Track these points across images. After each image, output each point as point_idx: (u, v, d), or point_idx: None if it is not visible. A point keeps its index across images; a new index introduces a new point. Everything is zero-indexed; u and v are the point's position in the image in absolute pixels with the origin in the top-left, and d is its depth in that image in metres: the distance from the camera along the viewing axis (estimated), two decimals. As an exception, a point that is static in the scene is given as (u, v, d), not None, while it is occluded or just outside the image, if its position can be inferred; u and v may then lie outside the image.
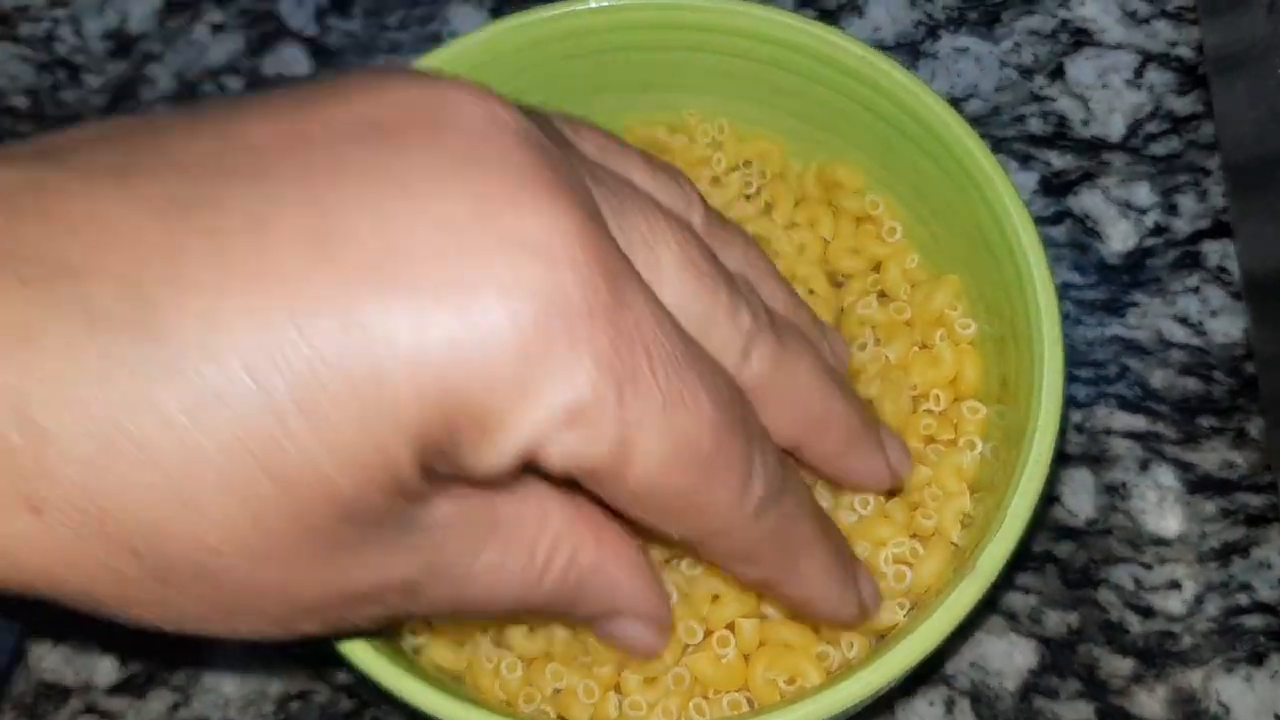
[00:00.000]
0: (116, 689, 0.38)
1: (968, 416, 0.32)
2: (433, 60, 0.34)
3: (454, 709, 0.27)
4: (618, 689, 0.31)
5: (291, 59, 0.46)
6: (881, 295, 0.34)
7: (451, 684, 0.30)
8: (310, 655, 0.38)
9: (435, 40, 0.45)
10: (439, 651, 0.31)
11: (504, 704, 0.31)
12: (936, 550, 0.31)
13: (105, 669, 0.38)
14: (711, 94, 0.36)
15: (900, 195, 0.35)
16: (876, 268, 0.35)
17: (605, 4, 0.34)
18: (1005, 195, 0.30)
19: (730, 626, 0.31)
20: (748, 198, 0.36)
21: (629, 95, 0.36)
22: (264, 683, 0.38)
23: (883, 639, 0.30)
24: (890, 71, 0.32)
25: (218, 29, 0.46)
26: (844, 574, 0.27)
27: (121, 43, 0.46)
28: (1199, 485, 0.38)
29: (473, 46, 0.34)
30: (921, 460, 0.32)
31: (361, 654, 0.28)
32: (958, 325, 0.33)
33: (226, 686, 0.38)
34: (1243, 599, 0.36)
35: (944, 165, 0.32)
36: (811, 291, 0.35)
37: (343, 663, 0.36)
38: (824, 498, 0.31)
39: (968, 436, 0.32)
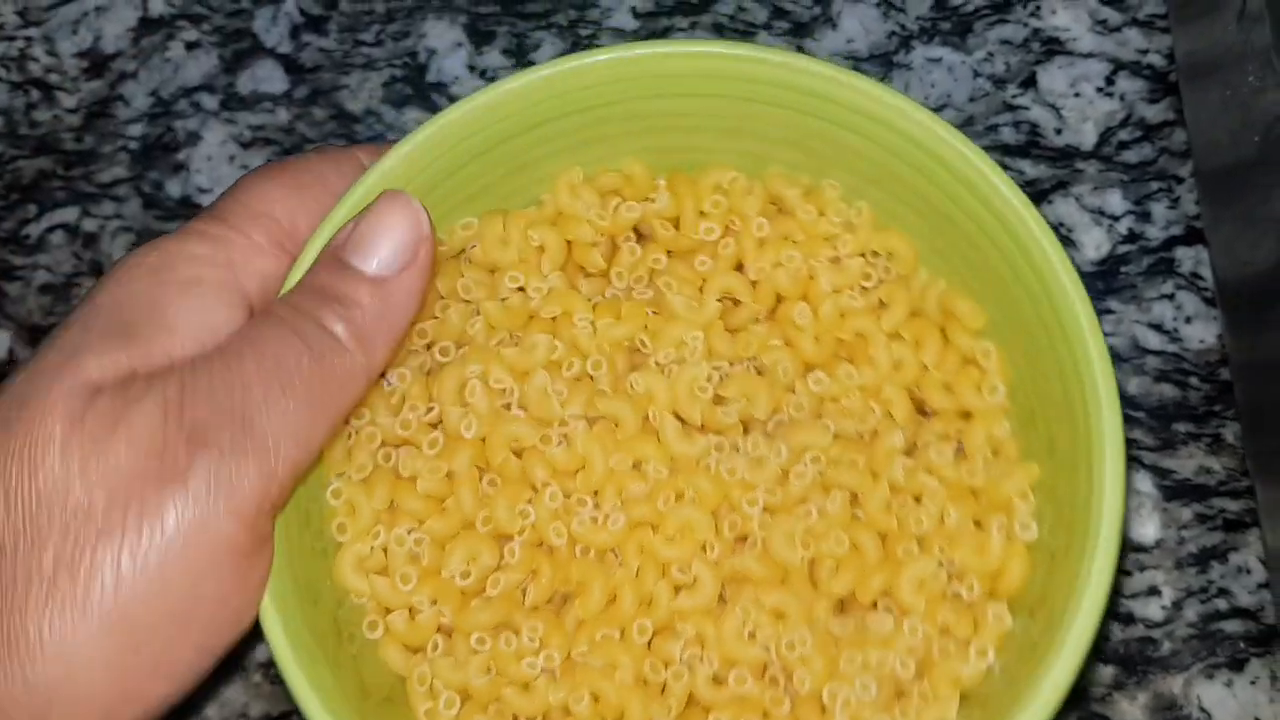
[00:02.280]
0: (96, 712, 0.38)
1: (992, 625, 0.30)
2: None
3: None
4: None
5: (266, 76, 0.45)
6: (959, 449, 0.32)
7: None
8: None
9: (410, 56, 0.45)
10: (390, 655, 0.31)
11: None
12: None
13: (85, 692, 0.38)
14: (856, 175, 0.33)
15: (1013, 351, 0.32)
16: (965, 416, 0.32)
17: (776, 60, 0.32)
18: (1109, 428, 0.28)
19: None
20: (864, 289, 0.33)
21: (777, 148, 0.34)
22: (245, 704, 0.38)
23: None
24: (1045, 254, 0.30)
25: (192, 46, 0.46)
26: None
27: (95, 61, 0.46)
28: (1176, 491, 0.38)
29: (627, 65, 0.32)
30: (927, 657, 0.30)
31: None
32: (1018, 523, 0.30)
33: (209, 709, 0.38)
34: (1222, 604, 0.37)
35: (1068, 382, 0.29)
36: (890, 415, 0.32)
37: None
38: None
39: (981, 644, 0.30)
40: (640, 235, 0.34)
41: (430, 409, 0.32)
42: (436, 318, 0.33)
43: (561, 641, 0.30)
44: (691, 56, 0.32)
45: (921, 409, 0.33)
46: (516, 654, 0.30)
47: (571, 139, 0.33)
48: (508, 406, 0.32)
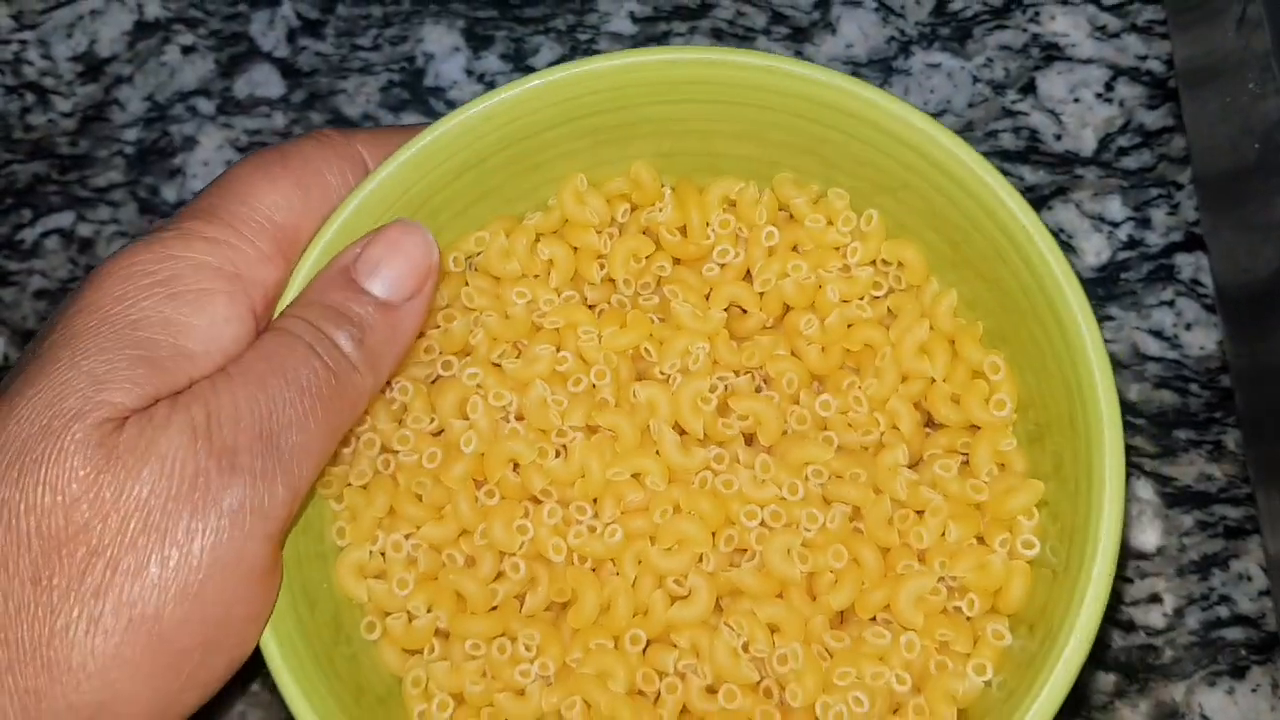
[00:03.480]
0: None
1: (991, 641, 0.30)
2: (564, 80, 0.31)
3: None
4: None
5: (263, 80, 0.45)
6: (964, 464, 0.31)
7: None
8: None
9: (408, 61, 0.45)
10: (387, 657, 0.31)
11: None
12: None
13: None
14: (866, 182, 0.32)
15: (1022, 367, 0.31)
16: (972, 429, 0.32)
17: (784, 69, 0.31)
18: (1110, 446, 0.28)
19: None
20: (873, 298, 0.33)
21: (786, 154, 0.33)
22: (242, 713, 0.37)
23: None
24: (1048, 267, 0.29)
25: (188, 51, 0.46)
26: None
27: (91, 65, 0.46)
28: (1177, 498, 0.38)
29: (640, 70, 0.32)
30: (924, 672, 0.30)
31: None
32: (1021, 541, 0.30)
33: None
34: (1223, 611, 0.37)
35: (1072, 399, 0.29)
36: (895, 427, 0.32)
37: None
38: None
39: (979, 661, 0.29)
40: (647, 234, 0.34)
41: (432, 419, 0.32)
42: (439, 327, 0.33)
43: (557, 650, 0.30)
44: (699, 64, 0.32)
45: (928, 421, 0.32)
46: (512, 660, 0.30)
47: (579, 142, 0.33)
48: (506, 418, 0.32)
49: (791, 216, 0.34)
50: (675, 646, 0.30)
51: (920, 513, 0.31)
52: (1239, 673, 0.36)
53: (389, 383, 0.32)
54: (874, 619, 0.30)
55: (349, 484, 0.32)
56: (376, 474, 0.32)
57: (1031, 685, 0.27)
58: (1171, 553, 0.37)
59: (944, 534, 0.30)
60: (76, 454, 0.26)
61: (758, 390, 0.32)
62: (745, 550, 0.31)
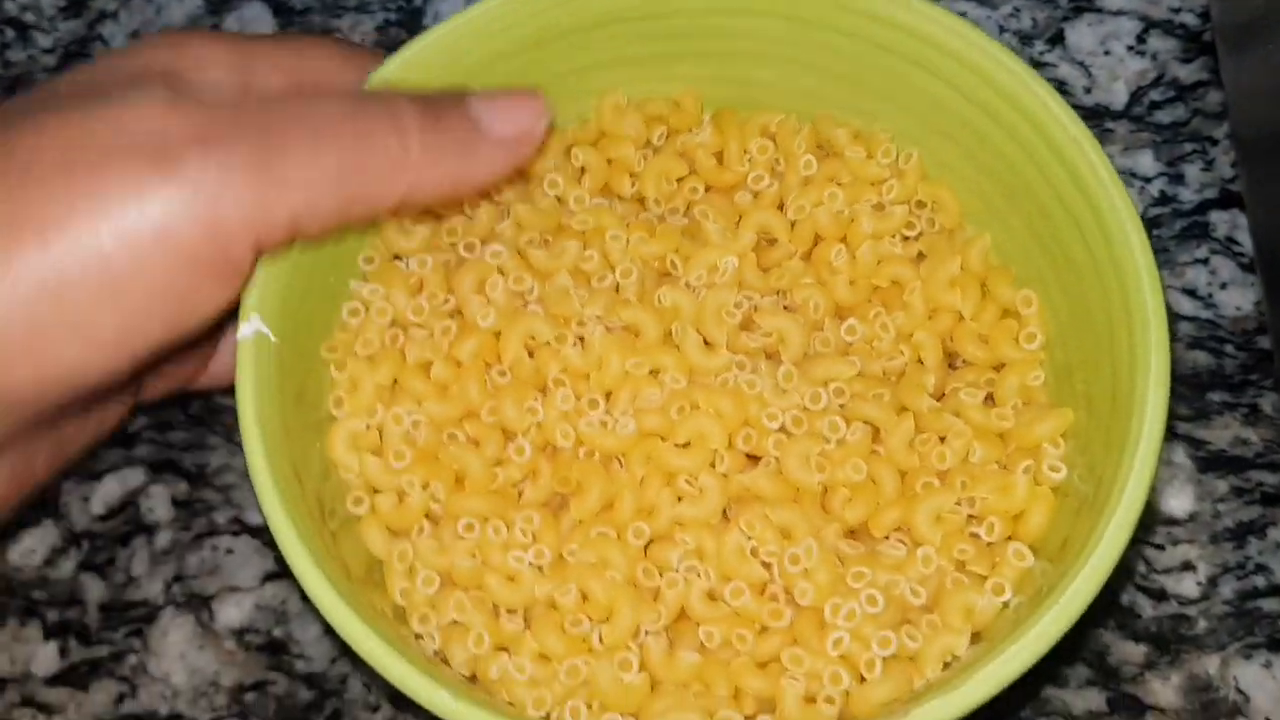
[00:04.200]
0: (56, 679, 0.35)
1: (1012, 561, 0.28)
2: None
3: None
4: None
5: (254, 18, 0.43)
6: (989, 398, 0.30)
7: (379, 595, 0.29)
8: (267, 644, 0.35)
9: None
10: (370, 535, 0.29)
11: (436, 655, 0.29)
12: (893, 676, 0.27)
13: (45, 657, 0.36)
14: (910, 116, 0.32)
15: (1055, 306, 0.30)
16: (998, 367, 0.31)
17: None
18: (1154, 379, 0.26)
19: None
20: (905, 238, 0.32)
21: (831, 85, 0.32)
22: (216, 672, 0.35)
23: None
24: (1106, 194, 0.28)
25: (177, -12, 0.44)
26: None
27: (74, 0, 0.44)
28: (1211, 463, 0.36)
29: None
30: (940, 589, 0.28)
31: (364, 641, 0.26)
32: (1047, 465, 0.29)
33: (176, 676, 0.35)
34: (1259, 581, 0.34)
35: (1117, 331, 0.28)
36: (920, 361, 0.31)
37: (303, 652, 0.33)
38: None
39: (998, 581, 0.28)
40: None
41: (447, 300, 0.30)
42: (466, 215, 0.32)
43: (554, 540, 0.29)
44: None
45: (952, 363, 0.31)
46: (505, 545, 0.29)
47: (618, 53, 0.32)
48: (525, 303, 0.30)
49: (828, 155, 0.33)
50: (679, 545, 0.28)
51: (942, 439, 0.29)
52: (1276, 645, 0.34)
53: (404, 259, 0.31)
54: (887, 538, 0.29)
55: (354, 352, 0.30)
56: (383, 346, 0.30)
57: (1038, 611, 0.25)
58: (1205, 519, 0.35)
59: (967, 456, 0.29)
60: (52, 86, 0.27)
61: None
62: (759, 458, 0.29)
